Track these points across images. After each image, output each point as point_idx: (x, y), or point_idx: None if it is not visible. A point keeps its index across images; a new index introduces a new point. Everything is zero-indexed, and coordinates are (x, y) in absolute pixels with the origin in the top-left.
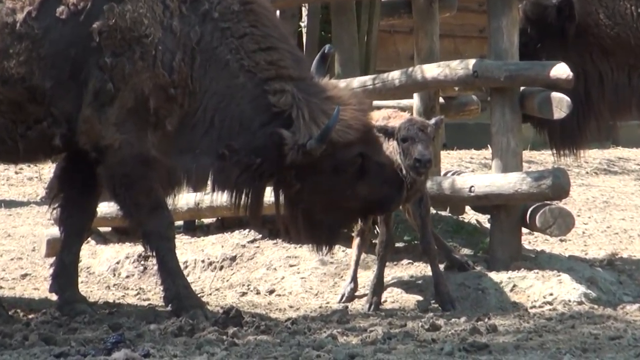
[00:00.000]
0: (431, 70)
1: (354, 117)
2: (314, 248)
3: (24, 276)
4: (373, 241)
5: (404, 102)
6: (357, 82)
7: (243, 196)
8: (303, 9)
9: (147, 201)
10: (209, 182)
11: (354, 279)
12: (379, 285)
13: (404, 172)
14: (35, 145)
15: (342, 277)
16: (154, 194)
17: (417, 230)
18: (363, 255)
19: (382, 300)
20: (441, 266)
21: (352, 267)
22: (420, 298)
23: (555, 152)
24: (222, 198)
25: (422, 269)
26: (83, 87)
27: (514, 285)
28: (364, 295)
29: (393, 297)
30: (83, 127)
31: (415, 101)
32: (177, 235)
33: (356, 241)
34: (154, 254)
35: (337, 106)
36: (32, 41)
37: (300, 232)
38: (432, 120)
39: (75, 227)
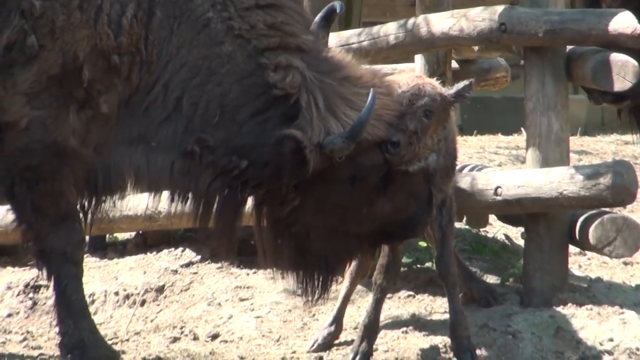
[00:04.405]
0: (440, 22)
1: (384, 104)
2: (303, 289)
3: None
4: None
5: (402, 66)
6: (336, 38)
7: (213, 211)
8: None
9: (53, 208)
10: (167, 187)
11: (338, 319)
12: (372, 327)
13: None
14: None
15: (314, 315)
16: (64, 199)
17: (434, 245)
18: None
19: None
20: None
21: (339, 303)
22: (425, 345)
23: None
24: (179, 207)
25: (427, 304)
26: None
27: (559, 328)
28: (345, 342)
29: (387, 344)
30: None
31: (417, 65)
32: None
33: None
34: (53, 281)
35: (372, 90)
36: None
37: (288, 265)
38: (452, 89)
39: None
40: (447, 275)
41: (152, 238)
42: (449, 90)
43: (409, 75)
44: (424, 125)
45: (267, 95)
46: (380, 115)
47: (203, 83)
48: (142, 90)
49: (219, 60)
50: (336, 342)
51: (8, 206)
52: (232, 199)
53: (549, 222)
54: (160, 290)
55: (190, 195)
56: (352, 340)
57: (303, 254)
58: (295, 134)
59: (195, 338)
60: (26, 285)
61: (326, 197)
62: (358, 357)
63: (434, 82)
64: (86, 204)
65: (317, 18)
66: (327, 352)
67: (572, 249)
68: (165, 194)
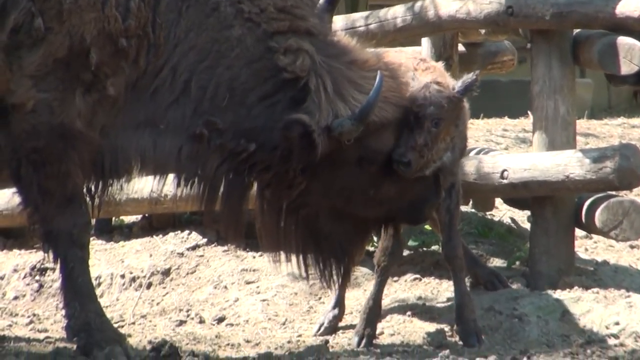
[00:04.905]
0: (447, 5)
1: (389, 87)
2: (320, 277)
3: None
4: (369, 247)
5: (408, 50)
6: (343, 21)
7: (219, 195)
8: None
9: (60, 190)
10: (173, 170)
11: (340, 301)
12: (374, 311)
13: None
14: None
15: (320, 298)
16: (70, 181)
17: (438, 228)
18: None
19: (378, 331)
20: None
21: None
22: (431, 328)
23: None
24: (185, 191)
25: (433, 288)
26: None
27: (565, 311)
28: (351, 325)
29: (392, 328)
30: None
31: (424, 49)
32: None
33: None
34: (59, 264)
35: (379, 73)
36: None
37: (294, 248)
38: (459, 84)
39: None
40: (454, 258)
41: (158, 221)
42: (456, 87)
43: (411, 56)
44: (433, 135)
45: (277, 79)
46: (387, 97)
47: (212, 66)
48: (150, 73)
49: (229, 43)
50: (342, 325)
51: (14, 189)
52: (239, 183)
53: (556, 206)
54: (167, 273)
55: (196, 179)
56: None
57: (311, 238)
58: (303, 119)
59: (201, 321)
60: (32, 268)
61: (333, 180)
62: (364, 341)
63: (439, 74)
64: (93, 187)
65: (321, 1)
66: (333, 335)
67: (579, 232)
68: (171, 176)
